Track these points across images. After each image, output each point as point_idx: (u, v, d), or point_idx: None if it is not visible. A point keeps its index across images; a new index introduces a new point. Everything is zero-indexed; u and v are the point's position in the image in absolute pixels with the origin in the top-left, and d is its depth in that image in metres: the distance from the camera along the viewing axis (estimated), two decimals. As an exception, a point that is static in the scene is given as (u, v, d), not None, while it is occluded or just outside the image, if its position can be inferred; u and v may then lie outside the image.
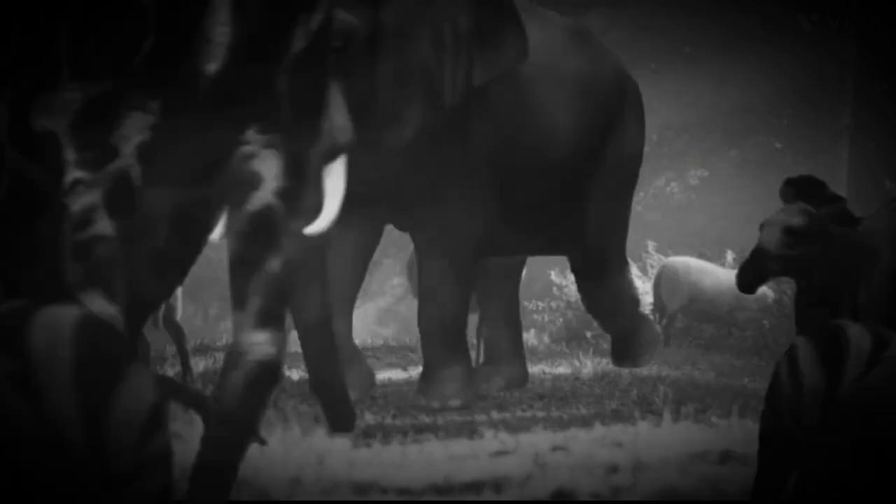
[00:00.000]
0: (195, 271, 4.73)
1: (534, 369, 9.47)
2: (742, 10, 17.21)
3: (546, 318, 15.37)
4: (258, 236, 4.09)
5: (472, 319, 8.66)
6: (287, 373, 8.21)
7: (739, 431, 6.34)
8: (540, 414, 7.30)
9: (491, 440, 6.21)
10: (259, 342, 4.05)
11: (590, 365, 9.56)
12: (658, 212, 18.53)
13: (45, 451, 3.20)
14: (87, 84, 4.04)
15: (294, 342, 6.26)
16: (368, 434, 6.38)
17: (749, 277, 5.97)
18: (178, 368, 8.94)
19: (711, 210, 17.94)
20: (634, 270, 14.81)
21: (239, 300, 4.09)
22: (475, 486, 5.16)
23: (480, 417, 7.11)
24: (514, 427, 6.59)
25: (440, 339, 7.75)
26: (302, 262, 5.71)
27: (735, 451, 5.58)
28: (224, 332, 18.24)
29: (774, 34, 17.23)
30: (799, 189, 6.04)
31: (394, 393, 8.22)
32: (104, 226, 4.02)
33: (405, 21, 7.29)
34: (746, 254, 6.04)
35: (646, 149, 8.93)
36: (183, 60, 4.05)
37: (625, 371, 9.05)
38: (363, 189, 6.34)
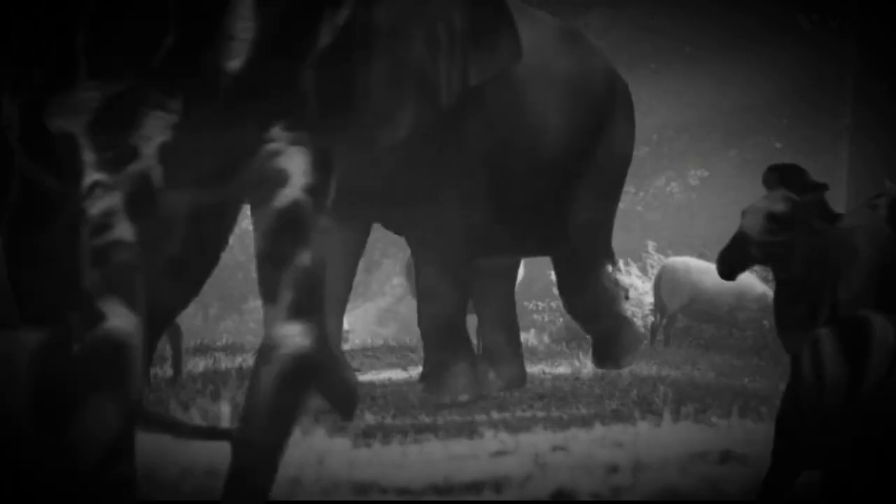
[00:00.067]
0: (195, 271, 4.69)
1: (534, 369, 9.47)
2: (742, 10, 17.22)
3: (546, 318, 15.39)
4: (287, 233, 3.97)
5: (472, 320, 8.66)
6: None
7: (739, 431, 6.34)
8: (540, 414, 7.30)
9: (491, 440, 6.21)
10: (292, 334, 3.87)
11: (590, 365, 9.54)
12: (658, 212, 18.54)
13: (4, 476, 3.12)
14: (104, 82, 3.85)
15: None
16: (368, 434, 6.37)
17: (730, 264, 5.93)
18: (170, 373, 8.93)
19: (711, 210, 17.93)
20: (634, 270, 14.88)
21: (269, 295, 3.91)
22: (475, 486, 5.15)
23: (480, 417, 7.11)
24: (514, 427, 6.58)
25: (442, 337, 7.78)
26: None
27: (735, 451, 5.57)
28: (224, 333, 18.25)
29: (774, 34, 17.24)
30: (783, 175, 6.03)
31: (394, 393, 8.21)
32: (124, 230, 3.80)
33: (399, 20, 7.30)
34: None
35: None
36: (205, 57, 3.89)
37: (625, 371, 9.03)
38: (355, 188, 6.33)
